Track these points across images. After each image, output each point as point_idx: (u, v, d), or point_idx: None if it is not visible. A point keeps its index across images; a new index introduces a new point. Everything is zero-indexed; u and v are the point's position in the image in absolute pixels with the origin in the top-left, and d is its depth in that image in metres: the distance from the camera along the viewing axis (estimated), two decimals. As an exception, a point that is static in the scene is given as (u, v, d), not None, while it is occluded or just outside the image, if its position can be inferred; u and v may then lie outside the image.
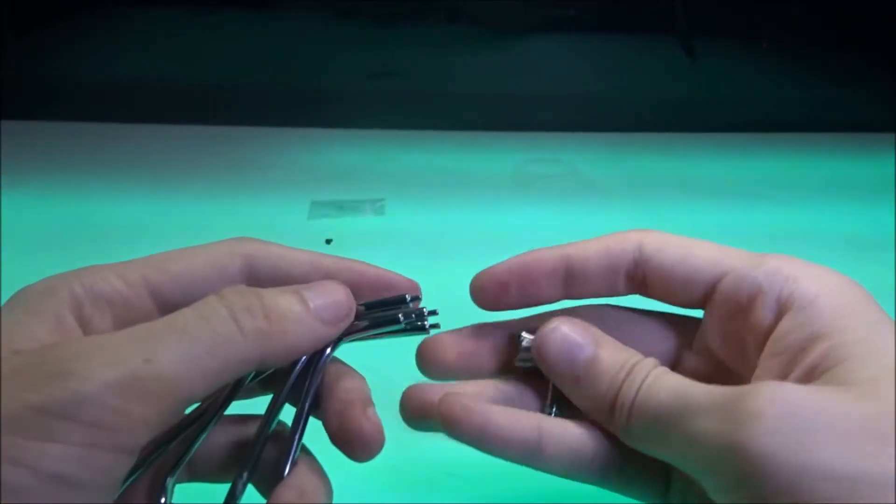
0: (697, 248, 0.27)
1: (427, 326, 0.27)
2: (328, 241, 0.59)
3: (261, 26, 1.01)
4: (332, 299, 0.25)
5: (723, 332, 0.26)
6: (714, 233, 0.65)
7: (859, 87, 0.93)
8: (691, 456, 0.22)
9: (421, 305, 0.27)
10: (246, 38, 0.99)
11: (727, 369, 0.27)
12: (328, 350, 0.26)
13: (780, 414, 0.20)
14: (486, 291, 0.28)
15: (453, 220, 0.64)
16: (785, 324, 0.23)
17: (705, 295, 0.26)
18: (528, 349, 0.27)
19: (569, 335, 0.26)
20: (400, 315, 0.26)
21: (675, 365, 0.28)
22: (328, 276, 0.27)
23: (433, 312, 0.27)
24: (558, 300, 0.28)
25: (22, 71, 0.89)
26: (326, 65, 0.96)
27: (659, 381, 0.24)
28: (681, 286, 0.27)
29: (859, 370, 0.21)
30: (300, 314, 0.24)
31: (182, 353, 0.21)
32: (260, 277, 0.26)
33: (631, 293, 0.28)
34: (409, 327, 0.26)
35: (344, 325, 0.25)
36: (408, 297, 0.27)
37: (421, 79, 0.96)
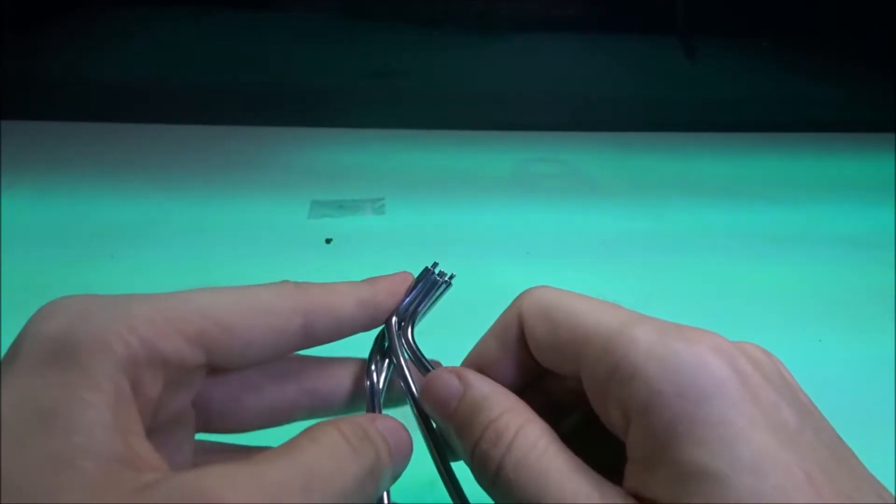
0: (559, 327, 0.24)
1: (450, 280, 0.29)
2: (328, 241, 0.59)
3: (261, 26, 1.00)
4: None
5: (598, 411, 0.23)
6: (714, 233, 0.65)
7: (859, 87, 0.93)
8: None
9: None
10: (246, 38, 0.99)
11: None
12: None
13: None
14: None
15: (453, 219, 0.64)
16: (632, 432, 0.21)
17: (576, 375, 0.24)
18: None
19: (444, 380, 0.25)
20: (436, 277, 0.29)
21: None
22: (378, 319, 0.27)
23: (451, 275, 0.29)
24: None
25: (22, 71, 0.89)
26: (326, 65, 0.96)
27: (524, 467, 0.22)
28: (557, 369, 0.24)
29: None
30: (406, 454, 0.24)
31: None
32: (317, 334, 0.26)
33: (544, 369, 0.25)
34: (444, 285, 0.29)
35: (399, 295, 0.28)
36: (429, 267, 0.29)
37: (421, 79, 0.96)
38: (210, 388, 0.25)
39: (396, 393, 0.28)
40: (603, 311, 0.23)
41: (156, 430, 0.22)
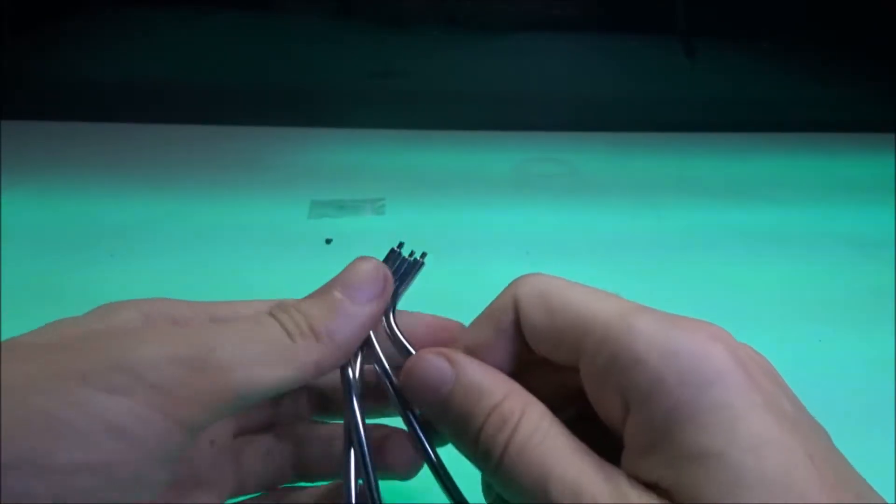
0: (555, 313, 0.24)
1: (423, 260, 0.28)
2: (328, 241, 0.59)
3: (261, 26, 1.00)
4: (363, 279, 0.25)
5: (593, 400, 0.23)
6: (714, 233, 0.65)
7: (859, 87, 0.93)
8: None
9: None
10: (246, 38, 0.99)
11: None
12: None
13: None
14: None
15: (453, 219, 0.64)
16: (632, 420, 0.21)
17: (573, 363, 0.24)
18: None
19: (433, 363, 0.24)
20: (415, 258, 0.28)
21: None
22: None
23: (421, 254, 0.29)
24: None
25: (22, 71, 0.89)
26: (326, 65, 0.96)
27: (527, 451, 0.22)
28: (553, 357, 0.24)
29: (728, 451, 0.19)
30: (337, 304, 0.24)
31: (237, 354, 0.22)
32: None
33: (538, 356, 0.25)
34: (421, 265, 0.28)
35: (387, 296, 0.26)
36: (395, 248, 0.28)
37: (421, 79, 0.96)
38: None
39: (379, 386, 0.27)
40: (601, 300, 0.23)
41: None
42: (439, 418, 0.24)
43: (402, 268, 0.28)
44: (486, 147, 0.81)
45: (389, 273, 0.27)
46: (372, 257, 0.26)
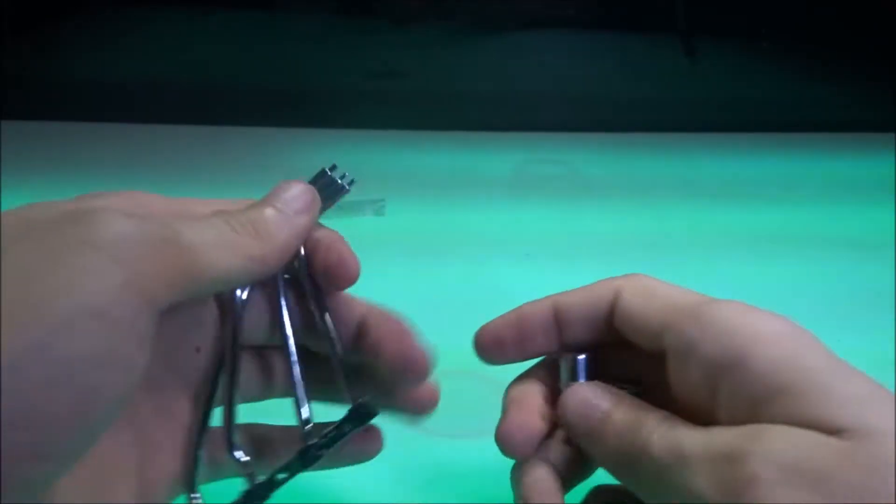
0: (656, 298, 0.27)
1: (350, 186, 0.30)
2: (328, 242, 0.59)
3: (261, 26, 1.00)
4: (294, 194, 0.28)
5: (678, 381, 0.26)
6: (714, 233, 0.65)
7: (859, 87, 0.93)
8: None
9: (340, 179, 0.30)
10: (246, 38, 0.99)
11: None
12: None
13: (778, 479, 0.20)
14: (486, 349, 0.29)
15: (453, 220, 0.64)
16: (727, 381, 0.23)
17: (660, 347, 0.26)
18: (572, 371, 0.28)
19: (587, 395, 0.27)
20: (338, 182, 0.29)
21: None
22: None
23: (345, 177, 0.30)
24: (555, 351, 0.29)
25: (22, 71, 0.89)
26: (326, 65, 0.96)
27: (655, 436, 0.24)
28: (641, 338, 0.27)
29: (841, 417, 0.21)
30: (279, 216, 0.27)
31: (199, 237, 0.23)
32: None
33: (617, 341, 0.28)
34: (343, 190, 0.30)
35: (316, 210, 0.28)
36: (326, 169, 0.30)
37: (421, 79, 0.96)
38: None
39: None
40: (691, 292, 0.27)
41: None
42: (585, 441, 0.27)
43: (330, 190, 0.29)
44: (486, 147, 0.81)
45: (316, 192, 0.29)
46: (299, 180, 0.29)
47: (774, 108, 0.91)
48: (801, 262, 0.58)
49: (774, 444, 0.21)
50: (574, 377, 0.28)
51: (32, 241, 0.21)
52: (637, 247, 0.60)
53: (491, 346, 0.29)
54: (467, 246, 0.59)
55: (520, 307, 0.29)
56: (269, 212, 0.27)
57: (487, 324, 0.29)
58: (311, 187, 0.28)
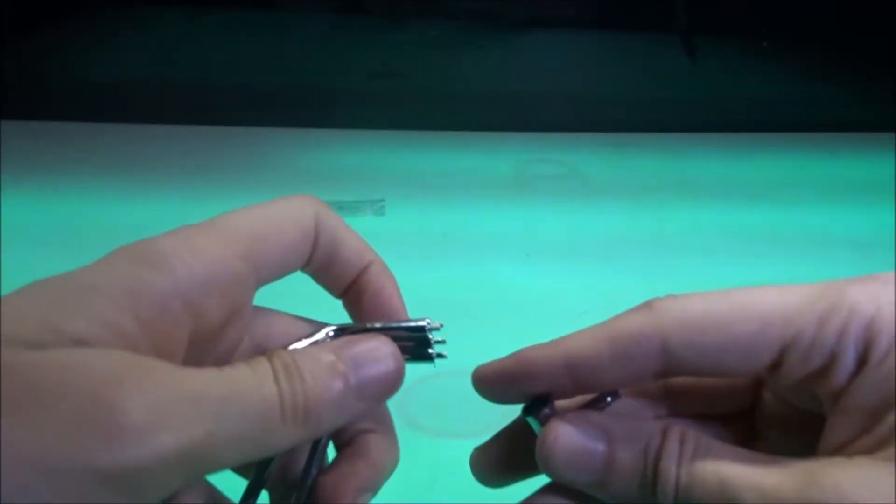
0: (739, 323, 0.22)
1: (433, 355, 0.24)
2: (328, 242, 0.59)
3: (261, 26, 1.01)
4: (378, 372, 0.22)
5: (792, 390, 0.23)
6: (714, 233, 0.65)
7: (859, 87, 0.93)
8: None
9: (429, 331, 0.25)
10: (246, 38, 0.99)
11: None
12: None
13: None
14: (487, 389, 0.25)
15: (453, 220, 0.64)
16: (859, 382, 0.21)
17: (766, 369, 0.22)
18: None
19: (574, 440, 0.22)
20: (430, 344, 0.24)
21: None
22: (367, 282, 0.27)
23: (440, 341, 0.25)
24: (574, 394, 0.24)
25: (22, 71, 0.89)
26: (326, 65, 0.96)
27: (696, 466, 0.21)
28: (734, 370, 0.22)
29: None
30: (338, 396, 0.21)
31: (234, 437, 0.19)
32: (319, 243, 0.27)
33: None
34: (430, 358, 0.25)
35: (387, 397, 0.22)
36: (426, 326, 0.24)
37: (421, 79, 0.96)
38: None
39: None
40: (763, 295, 0.23)
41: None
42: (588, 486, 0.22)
43: (413, 347, 0.24)
44: (486, 147, 0.81)
45: (403, 376, 0.23)
46: (400, 356, 0.22)
47: (774, 108, 0.92)
48: (801, 261, 0.58)
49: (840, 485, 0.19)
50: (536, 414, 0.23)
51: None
52: (637, 246, 0.60)
53: (491, 386, 0.25)
54: (467, 246, 0.59)
55: (521, 353, 0.24)
56: (338, 381, 0.21)
57: (486, 365, 0.25)
58: (402, 378, 0.22)
